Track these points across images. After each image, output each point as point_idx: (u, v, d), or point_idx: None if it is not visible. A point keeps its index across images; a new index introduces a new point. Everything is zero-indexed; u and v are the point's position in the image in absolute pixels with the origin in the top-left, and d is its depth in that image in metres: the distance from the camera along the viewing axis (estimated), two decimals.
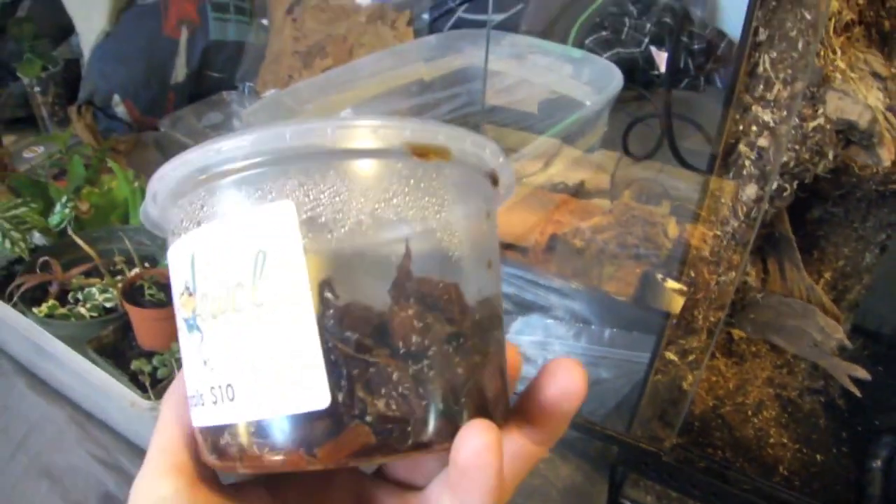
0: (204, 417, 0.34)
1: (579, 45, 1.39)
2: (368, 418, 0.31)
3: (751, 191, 0.56)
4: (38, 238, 1.08)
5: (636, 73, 1.41)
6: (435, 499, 0.38)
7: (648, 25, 1.45)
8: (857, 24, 0.66)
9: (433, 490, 0.38)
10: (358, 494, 0.41)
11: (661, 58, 1.43)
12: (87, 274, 0.97)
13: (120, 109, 1.50)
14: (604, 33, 1.40)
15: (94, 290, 0.96)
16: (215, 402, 0.34)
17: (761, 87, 0.52)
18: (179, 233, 0.35)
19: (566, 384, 0.35)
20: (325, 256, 0.31)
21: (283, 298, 0.31)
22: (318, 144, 0.32)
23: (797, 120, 0.54)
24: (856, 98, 0.55)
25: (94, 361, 0.86)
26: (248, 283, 0.32)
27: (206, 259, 0.34)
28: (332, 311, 0.31)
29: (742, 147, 0.54)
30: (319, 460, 0.31)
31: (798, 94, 0.51)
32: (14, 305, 0.95)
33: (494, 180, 0.38)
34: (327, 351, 0.31)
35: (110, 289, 0.96)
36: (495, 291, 0.37)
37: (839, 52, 0.58)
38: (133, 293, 0.90)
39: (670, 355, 0.69)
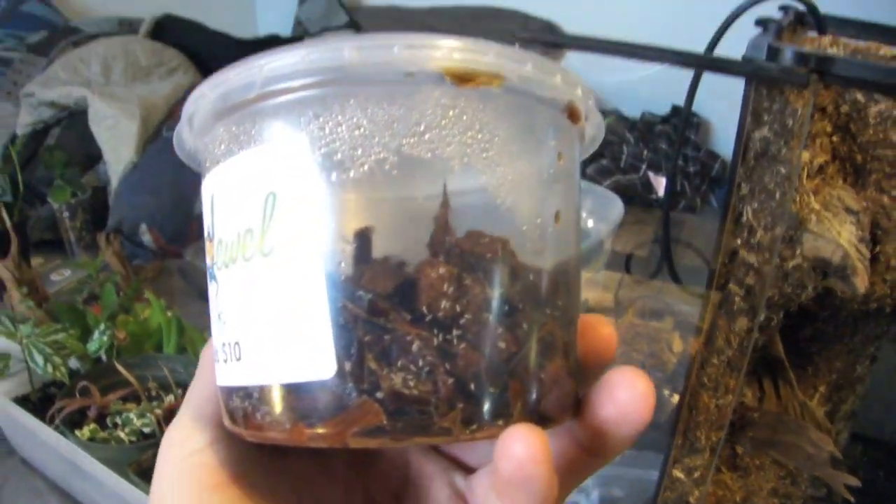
0: (219, 376, 0.32)
1: (580, 174, 1.46)
2: (379, 394, 0.26)
3: (742, 324, 0.62)
4: (72, 362, 1.14)
5: (635, 198, 1.48)
6: (482, 493, 0.33)
7: (646, 152, 1.54)
8: (831, 162, 0.73)
9: (481, 480, 0.34)
10: (407, 464, 0.38)
11: (660, 182, 1.51)
12: (124, 399, 1.03)
13: (146, 238, 1.58)
14: (603, 161, 1.48)
15: (131, 415, 1.01)
16: (226, 361, 0.31)
17: (746, 233, 0.59)
18: (204, 173, 0.32)
19: (626, 404, 0.29)
20: (340, 200, 0.27)
21: (290, 247, 0.28)
22: (335, 68, 0.27)
23: (778, 260, 0.61)
24: (829, 238, 0.62)
25: (135, 484, 0.91)
26: (257, 228, 0.28)
27: (222, 202, 0.31)
28: (344, 265, 0.27)
29: (732, 286, 0.61)
30: (322, 437, 0.27)
31: (777, 238, 0.58)
32: (55, 428, 1.00)
33: (573, 115, 0.32)
34: (336, 312, 0.27)
35: (148, 414, 1.01)
36: (566, 252, 0.31)
37: (813, 196, 0.65)
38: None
39: (677, 473, 0.74)
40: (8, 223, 1.35)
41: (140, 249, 1.59)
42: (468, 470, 0.36)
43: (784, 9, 0.82)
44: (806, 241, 0.61)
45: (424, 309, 0.27)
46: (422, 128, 0.27)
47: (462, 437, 0.27)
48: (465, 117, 0.28)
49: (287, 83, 0.28)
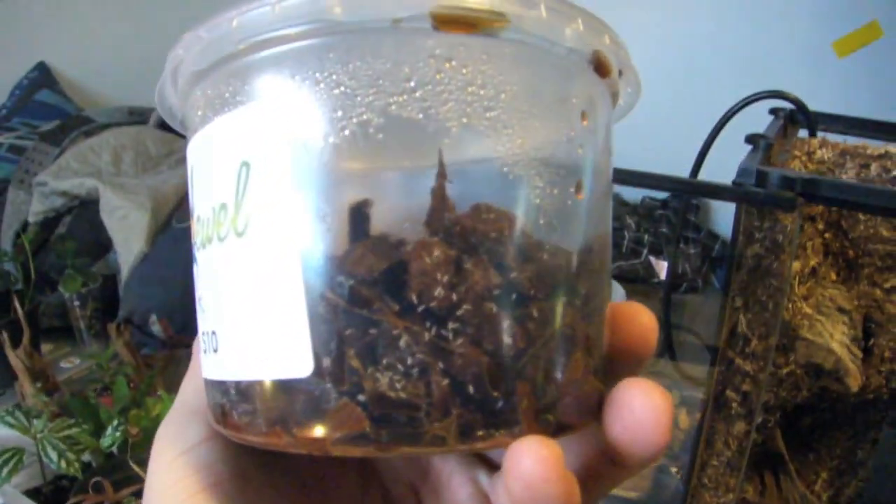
0: (202, 367, 0.29)
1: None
2: (362, 397, 0.23)
3: (739, 427, 0.64)
4: (84, 455, 1.15)
5: (637, 282, 1.50)
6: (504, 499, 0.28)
7: (647, 236, 1.57)
8: (823, 261, 0.76)
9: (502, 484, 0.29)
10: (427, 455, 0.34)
11: (661, 266, 1.54)
12: (136, 494, 1.04)
13: (156, 328, 1.60)
14: None
15: None
16: (205, 352, 0.28)
17: (741, 343, 0.62)
18: (188, 144, 0.29)
19: (638, 423, 0.25)
20: (318, 170, 0.24)
21: (263, 225, 0.25)
22: (311, 18, 0.24)
23: (773, 367, 0.64)
24: (821, 344, 0.64)
25: None
26: (231, 203, 0.25)
27: (199, 174, 0.28)
28: (324, 246, 0.24)
29: (729, 392, 0.63)
30: (300, 443, 0.24)
31: (771, 347, 0.61)
32: None
33: (601, 67, 0.27)
34: (313, 300, 0.24)
35: None
36: (590, 229, 0.27)
37: (805, 302, 0.68)
38: None
39: None
40: (20, 312, 1.37)
41: (149, 339, 1.61)
42: (493, 466, 0.33)
43: (774, 112, 0.86)
44: (799, 349, 0.63)
45: (414, 298, 0.23)
46: (412, 84, 0.24)
47: (458, 448, 0.23)
48: (464, 70, 0.24)
49: (258, 37, 0.25)
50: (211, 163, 0.27)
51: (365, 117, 0.23)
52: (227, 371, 0.26)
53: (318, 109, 0.24)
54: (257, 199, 0.25)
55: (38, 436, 1.07)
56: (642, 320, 0.28)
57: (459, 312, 0.23)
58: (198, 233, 0.28)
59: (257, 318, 0.25)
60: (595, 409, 0.27)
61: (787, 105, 0.89)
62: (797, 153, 0.74)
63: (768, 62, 1.77)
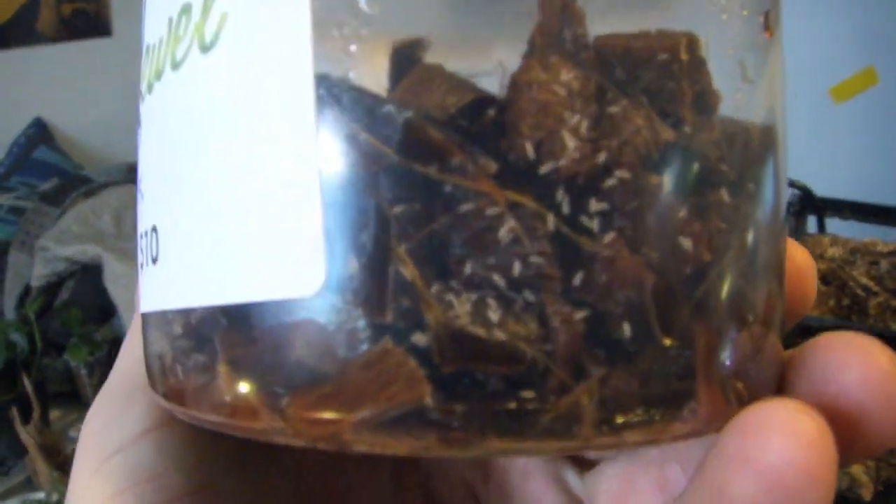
0: (139, 296, 0.18)
1: None
2: (420, 338, 0.12)
3: None
4: None
5: None
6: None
7: None
8: None
9: (611, 484, 0.20)
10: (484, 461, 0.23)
11: None
12: None
13: None
14: None
15: None
16: (142, 266, 0.17)
17: None
18: None
19: (858, 401, 0.14)
20: None
21: (250, 23, 0.14)
22: None
23: None
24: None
25: None
26: (198, 3, 0.14)
27: None
28: (358, 50, 0.13)
29: None
30: (293, 427, 0.13)
31: None
32: None
33: None
34: (333, 147, 0.13)
35: None
36: (780, 101, 0.16)
37: None
38: None
39: None
40: (28, 387, 1.36)
41: None
42: (583, 464, 0.22)
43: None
44: None
45: (530, 149, 0.13)
46: None
47: (598, 442, 0.13)
48: None
49: None
50: None
51: None
52: (170, 295, 0.16)
53: None
54: None
55: None
56: (798, 258, 0.19)
57: (609, 183, 0.13)
58: (144, 75, 0.17)
59: (224, 189, 0.14)
60: (778, 382, 0.16)
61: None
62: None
63: None
